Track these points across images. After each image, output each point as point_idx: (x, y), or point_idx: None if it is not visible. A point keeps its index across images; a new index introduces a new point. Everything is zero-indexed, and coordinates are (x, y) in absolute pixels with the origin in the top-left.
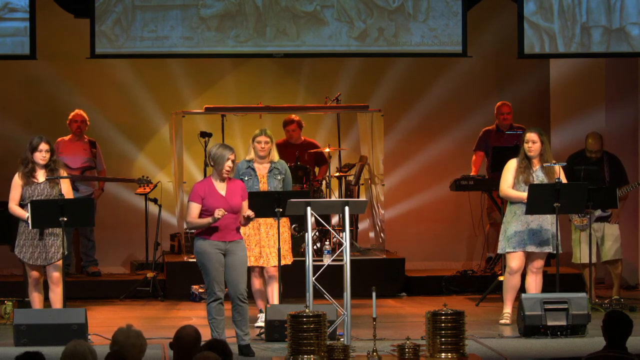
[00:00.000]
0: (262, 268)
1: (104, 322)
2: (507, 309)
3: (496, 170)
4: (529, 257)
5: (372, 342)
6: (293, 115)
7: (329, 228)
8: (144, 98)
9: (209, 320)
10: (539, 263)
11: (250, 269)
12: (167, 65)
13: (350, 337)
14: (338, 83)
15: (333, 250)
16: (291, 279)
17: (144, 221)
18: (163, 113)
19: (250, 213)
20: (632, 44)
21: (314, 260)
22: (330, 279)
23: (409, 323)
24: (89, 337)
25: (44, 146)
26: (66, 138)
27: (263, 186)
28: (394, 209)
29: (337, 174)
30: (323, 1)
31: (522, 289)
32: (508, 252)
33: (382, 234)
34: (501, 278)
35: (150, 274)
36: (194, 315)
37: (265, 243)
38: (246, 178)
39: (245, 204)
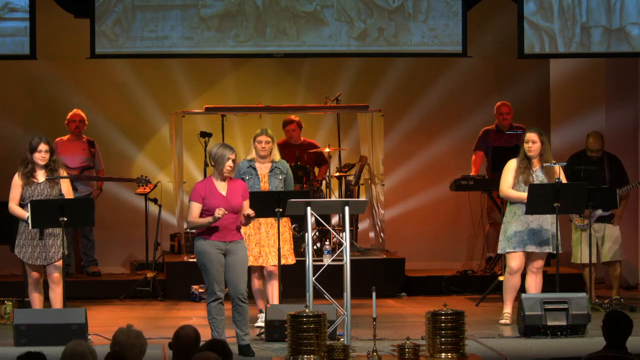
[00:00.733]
0: (262, 268)
1: (104, 322)
2: (507, 309)
3: (496, 170)
4: (529, 257)
5: (372, 342)
6: (293, 116)
7: (329, 228)
8: (144, 98)
9: (209, 320)
10: (539, 263)
11: (250, 269)
12: (167, 65)
13: (350, 337)
14: (338, 83)
15: (333, 250)
16: (291, 279)
17: (144, 221)
18: (163, 113)
19: (250, 212)
20: (632, 44)
21: (314, 260)
22: (330, 279)
23: (409, 323)
24: (89, 337)
25: (43, 146)
26: (65, 138)
27: (264, 186)
28: (394, 209)
29: (337, 174)
30: (323, 1)
31: (522, 289)
32: (508, 252)
33: (382, 234)
34: (501, 278)
35: (150, 274)
36: (194, 315)
37: (265, 242)
38: (247, 177)
39: (247, 203)
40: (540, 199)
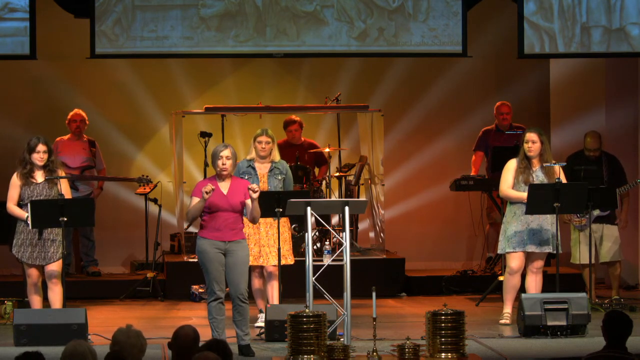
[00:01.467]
0: (262, 267)
1: (104, 322)
2: (507, 309)
3: (496, 170)
4: (529, 257)
5: (372, 342)
6: (294, 116)
7: (329, 228)
8: (144, 98)
9: (209, 320)
10: (539, 263)
11: (250, 269)
12: (167, 65)
13: (350, 337)
14: (338, 83)
15: (333, 250)
16: (291, 279)
17: (144, 221)
18: (163, 113)
19: (253, 186)
20: (632, 44)
21: (314, 260)
22: (330, 279)
23: (409, 323)
24: (89, 337)
25: (41, 147)
26: (65, 138)
27: (263, 186)
28: (394, 209)
29: (337, 174)
30: (323, 1)
31: (522, 289)
32: (508, 252)
33: (382, 234)
34: (501, 278)
35: (150, 274)
36: (194, 315)
37: (264, 242)
38: (246, 177)
39: (249, 202)
40: (540, 199)
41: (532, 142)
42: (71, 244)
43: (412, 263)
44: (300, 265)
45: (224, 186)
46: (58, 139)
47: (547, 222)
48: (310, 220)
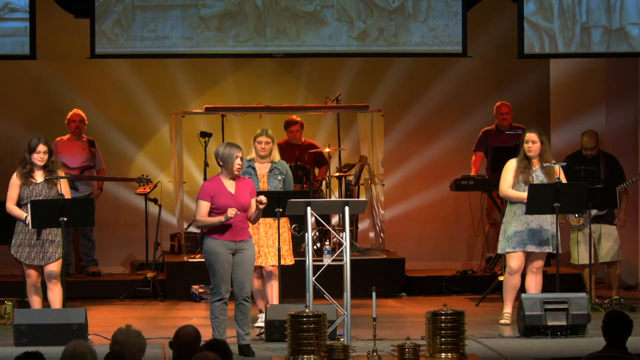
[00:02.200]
0: (261, 267)
1: (104, 322)
2: (507, 309)
3: (496, 170)
4: (529, 257)
5: (372, 342)
6: (295, 116)
7: (329, 228)
8: (144, 98)
9: (211, 319)
10: (539, 263)
11: None
12: (167, 65)
13: (350, 337)
14: (338, 83)
15: (333, 250)
16: (291, 279)
17: (144, 221)
18: (163, 113)
19: (262, 198)
20: (632, 44)
21: (314, 260)
22: (330, 279)
23: (409, 323)
24: (89, 337)
25: (42, 147)
26: (65, 138)
27: (263, 186)
28: (394, 209)
29: (337, 174)
30: (323, 1)
31: (522, 289)
32: (508, 252)
33: (382, 234)
34: (501, 278)
35: (150, 274)
36: (194, 315)
37: (264, 242)
38: (246, 177)
39: (254, 201)
40: (540, 199)
41: (532, 142)
42: (71, 244)
43: (412, 263)
44: (300, 265)
45: (231, 186)
46: (57, 139)
47: (547, 222)
48: (310, 220)
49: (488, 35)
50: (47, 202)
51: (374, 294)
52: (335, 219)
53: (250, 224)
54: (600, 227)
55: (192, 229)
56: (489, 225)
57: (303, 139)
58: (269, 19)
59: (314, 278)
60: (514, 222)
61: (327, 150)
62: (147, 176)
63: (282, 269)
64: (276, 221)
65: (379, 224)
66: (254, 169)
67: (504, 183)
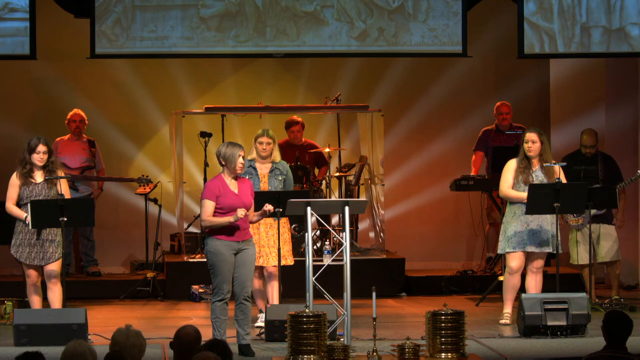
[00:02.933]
0: (261, 268)
1: (104, 322)
2: (507, 309)
3: (496, 170)
4: (529, 257)
5: (372, 342)
6: (296, 117)
7: (329, 228)
8: (144, 98)
9: (212, 319)
10: (538, 263)
11: None
12: (167, 65)
13: (350, 337)
14: (338, 83)
15: (333, 250)
16: (291, 279)
17: (144, 221)
18: (163, 113)
19: (270, 208)
20: (632, 44)
21: (314, 260)
22: (330, 279)
23: (409, 323)
24: (89, 337)
25: (41, 148)
26: (65, 138)
27: (264, 186)
28: (394, 209)
29: (337, 174)
30: (323, 1)
31: (522, 289)
32: (508, 252)
33: (382, 234)
34: (501, 278)
35: (150, 274)
36: (194, 315)
37: (264, 243)
38: (247, 177)
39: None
40: (540, 199)
41: (532, 142)
42: (71, 244)
43: (412, 263)
44: (300, 265)
45: (234, 186)
46: (58, 139)
47: (547, 222)
48: (310, 220)
49: (488, 35)
50: (47, 202)
51: (374, 294)
52: (335, 219)
53: (250, 225)
54: (599, 227)
55: (192, 229)
56: (489, 225)
57: (303, 139)
58: (269, 19)
59: (314, 278)
60: (514, 222)
61: (327, 150)
62: (147, 176)
63: (282, 269)
64: (276, 221)
65: (379, 224)
66: (254, 169)
67: (504, 183)
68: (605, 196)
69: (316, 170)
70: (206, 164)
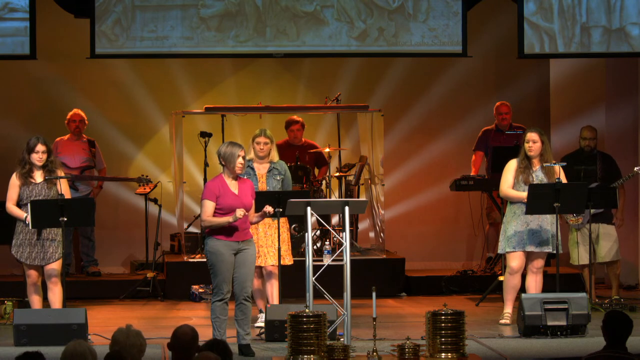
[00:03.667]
0: (260, 267)
1: (104, 322)
2: (508, 309)
3: (496, 170)
4: (529, 257)
5: (372, 342)
6: (296, 116)
7: (329, 228)
8: (144, 98)
9: (212, 319)
10: (539, 263)
11: None
12: (167, 65)
13: (350, 337)
14: (338, 83)
15: (333, 250)
16: (291, 279)
17: (144, 221)
18: (163, 113)
19: (269, 209)
20: (632, 44)
21: (314, 260)
22: (330, 279)
23: (409, 323)
24: (89, 337)
25: (40, 147)
26: (65, 138)
27: (262, 186)
28: (394, 209)
29: (337, 174)
30: (323, 1)
31: (522, 289)
32: (508, 252)
33: (382, 234)
34: (501, 278)
35: (150, 274)
36: (194, 315)
37: (263, 243)
38: (245, 177)
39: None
40: (540, 199)
41: (532, 141)
42: (71, 244)
43: (412, 263)
44: (300, 265)
45: (234, 186)
46: (57, 139)
47: (547, 222)
48: (310, 220)
49: (488, 35)
50: (47, 202)
51: (374, 294)
52: (335, 219)
53: (249, 224)
54: (598, 226)
55: (192, 229)
56: (489, 225)
57: (303, 139)
58: (269, 19)
59: (314, 278)
60: (514, 222)
61: (327, 150)
62: (147, 176)
63: (282, 269)
64: (275, 221)
65: (379, 224)
66: (252, 169)
67: (504, 183)
68: (606, 196)
69: (316, 170)
70: (206, 164)
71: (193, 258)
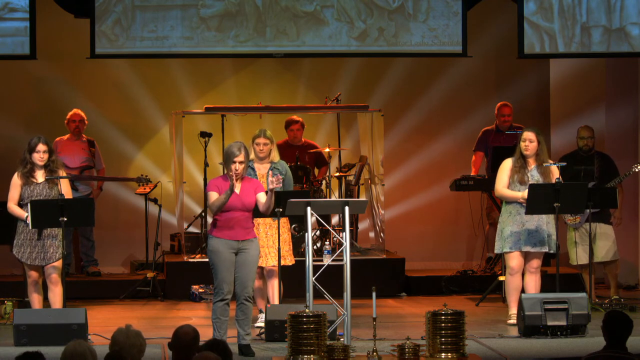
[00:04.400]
0: (261, 268)
1: (104, 322)
2: (513, 310)
3: (496, 170)
4: (526, 257)
5: (372, 342)
6: (296, 116)
7: (329, 228)
8: (144, 98)
9: (212, 320)
10: (536, 263)
11: None
12: (167, 65)
13: (350, 337)
14: (338, 83)
15: (333, 250)
16: (291, 279)
17: (144, 221)
18: (163, 113)
19: (271, 179)
20: (632, 44)
21: (314, 260)
22: (330, 279)
23: (409, 323)
24: (89, 337)
25: (42, 147)
26: (65, 137)
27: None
28: (394, 209)
29: (337, 174)
30: (323, 1)
31: (522, 289)
32: (505, 253)
33: (382, 234)
34: (501, 278)
35: (150, 274)
36: (194, 315)
37: (264, 243)
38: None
39: (261, 195)
40: (540, 199)
41: (529, 141)
42: (71, 244)
43: (412, 263)
44: (300, 265)
45: (237, 185)
46: (57, 139)
47: (543, 221)
48: (310, 220)
49: (488, 35)
50: (47, 202)
51: (374, 294)
52: (335, 219)
53: (252, 224)
54: (595, 226)
55: (192, 229)
56: (489, 225)
57: (303, 139)
58: (269, 19)
59: (314, 278)
60: (510, 222)
61: (327, 150)
62: (146, 176)
63: (282, 269)
64: (276, 221)
65: (379, 224)
66: (253, 169)
67: (499, 183)
68: (606, 196)
69: (316, 170)
70: (206, 164)
71: (193, 258)
